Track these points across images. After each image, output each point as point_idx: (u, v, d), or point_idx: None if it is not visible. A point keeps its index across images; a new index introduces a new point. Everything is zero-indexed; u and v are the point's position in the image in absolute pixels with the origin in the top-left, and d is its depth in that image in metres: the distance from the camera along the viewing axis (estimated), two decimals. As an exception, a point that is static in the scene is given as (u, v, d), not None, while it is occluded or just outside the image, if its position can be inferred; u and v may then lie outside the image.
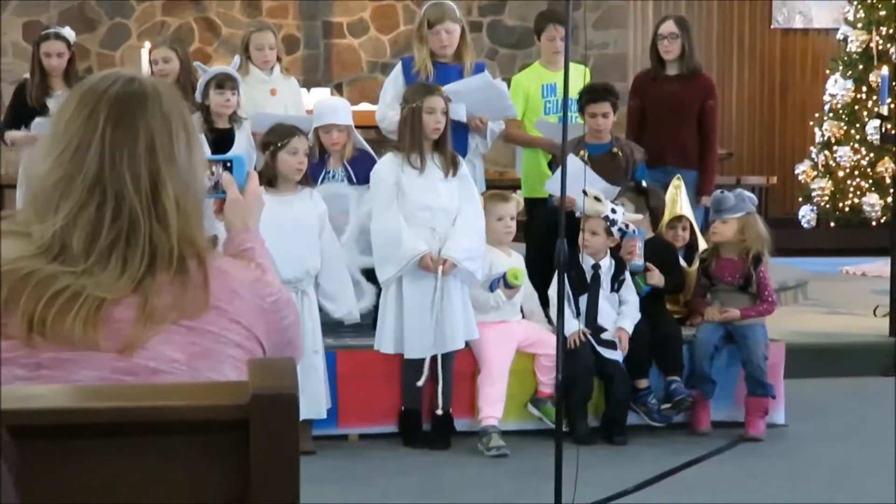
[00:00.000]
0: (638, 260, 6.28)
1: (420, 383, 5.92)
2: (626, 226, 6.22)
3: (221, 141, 6.31)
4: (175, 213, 1.92)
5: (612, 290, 6.21)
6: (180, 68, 7.19)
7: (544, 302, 6.25)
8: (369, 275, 6.17)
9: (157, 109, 1.96)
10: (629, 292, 6.22)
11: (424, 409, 6.05)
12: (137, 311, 1.86)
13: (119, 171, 1.91)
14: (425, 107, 5.93)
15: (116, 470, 1.58)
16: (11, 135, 7.22)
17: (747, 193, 6.39)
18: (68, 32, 7.46)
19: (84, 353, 1.83)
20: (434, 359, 5.94)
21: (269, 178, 5.77)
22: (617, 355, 6.08)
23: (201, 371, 1.86)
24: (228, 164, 2.36)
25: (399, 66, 6.86)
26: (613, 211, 6.15)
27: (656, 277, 6.34)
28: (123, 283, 1.86)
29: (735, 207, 6.23)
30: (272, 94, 7.07)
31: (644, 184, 6.51)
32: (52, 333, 1.82)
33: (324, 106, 6.67)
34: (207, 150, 2.32)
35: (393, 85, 6.76)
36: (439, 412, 5.97)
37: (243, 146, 6.43)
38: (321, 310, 5.96)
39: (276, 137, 5.89)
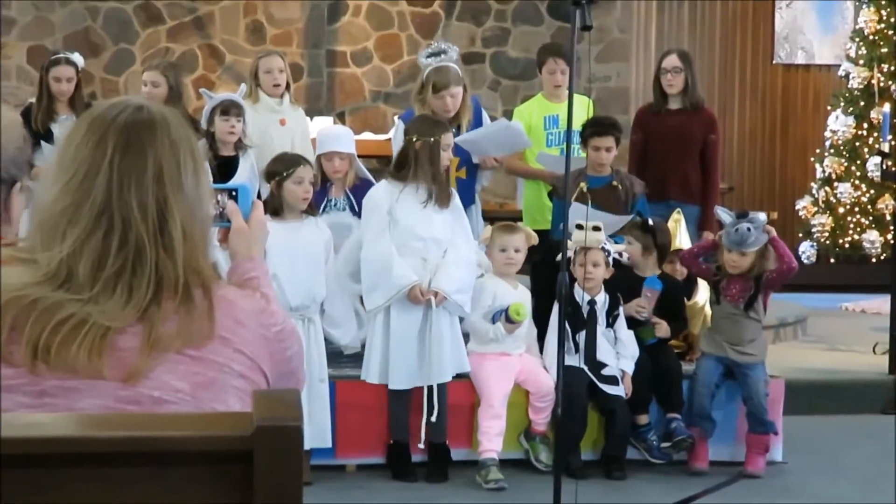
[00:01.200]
0: (646, 312, 6.28)
1: (425, 420, 5.89)
2: (620, 254, 6.22)
3: (225, 168, 6.33)
4: (182, 242, 1.92)
5: (608, 325, 6.20)
6: (168, 94, 7.18)
7: (545, 335, 6.23)
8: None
9: (166, 137, 1.96)
10: (622, 328, 6.21)
11: (414, 441, 6.01)
12: (142, 339, 1.85)
13: (126, 199, 1.90)
14: (442, 143, 5.95)
15: (119, 500, 1.57)
16: (36, 170, 7.14)
17: (762, 218, 6.30)
18: (77, 58, 7.50)
19: (88, 381, 1.82)
20: (429, 390, 5.91)
21: (275, 207, 5.78)
22: (619, 391, 6.06)
23: (205, 401, 1.85)
24: (234, 193, 2.36)
25: (399, 124, 6.83)
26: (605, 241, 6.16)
27: (664, 330, 6.33)
28: (129, 312, 1.86)
29: (756, 241, 6.19)
30: (281, 124, 7.09)
31: (651, 221, 6.49)
32: (57, 361, 1.81)
33: (327, 134, 6.68)
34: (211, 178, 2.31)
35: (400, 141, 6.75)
36: (421, 445, 5.94)
37: (246, 174, 6.44)
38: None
39: (282, 167, 5.89)
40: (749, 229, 6.16)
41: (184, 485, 1.57)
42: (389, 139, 7.44)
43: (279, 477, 1.53)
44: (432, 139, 5.93)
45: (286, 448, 1.53)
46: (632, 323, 6.26)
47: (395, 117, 7.05)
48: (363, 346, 6.08)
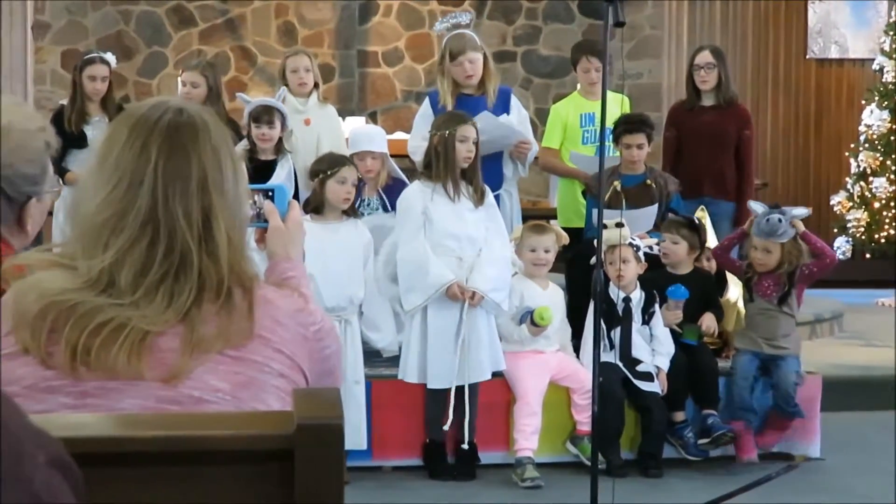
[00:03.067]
0: (680, 319, 6.28)
1: (446, 427, 5.88)
2: (651, 248, 6.21)
3: (263, 172, 6.31)
4: (226, 247, 1.91)
5: (643, 322, 6.17)
6: (207, 94, 7.17)
7: (579, 333, 6.21)
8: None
9: (208, 142, 1.95)
10: (658, 325, 6.19)
11: (450, 440, 6.00)
12: (183, 341, 1.85)
13: (172, 209, 1.90)
14: (458, 135, 5.90)
15: (160, 499, 1.57)
16: (73, 175, 7.11)
17: (794, 211, 6.27)
18: (110, 57, 7.56)
19: (129, 382, 1.82)
20: (459, 390, 5.91)
21: (316, 206, 5.79)
22: (654, 387, 6.04)
23: (245, 400, 1.85)
24: (270, 194, 2.37)
25: (427, 101, 6.86)
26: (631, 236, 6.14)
27: (709, 323, 6.31)
28: (169, 316, 1.86)
29: (786, 233, 6.17)
30: (306, 124, 7.05)
31: (697, 220, 6.45)
32: (97, 363, 1.82)
33: (359, 133, 6.68)
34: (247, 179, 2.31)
35: (423, 120, 6.72)
36: (465, 446, 5.93)
37: (283, 178, 6.42)
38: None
39: (325, 166, 5.89)
40: (780, 220, 6.13)
41: (225, 484, 1.57)
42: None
43: (321, 475, 1.53)
44: (447, 132, 5.90)
45: (327, 447, 1.52)
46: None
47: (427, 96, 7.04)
48: (401, 349, 6.07)
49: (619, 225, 5.80)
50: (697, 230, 6.41)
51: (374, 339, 5.99)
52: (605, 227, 5.69)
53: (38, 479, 0.79)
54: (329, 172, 5.85)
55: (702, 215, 6.77)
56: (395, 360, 6.10)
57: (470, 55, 6.64)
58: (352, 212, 5.96)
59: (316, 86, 7.19)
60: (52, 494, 0.80)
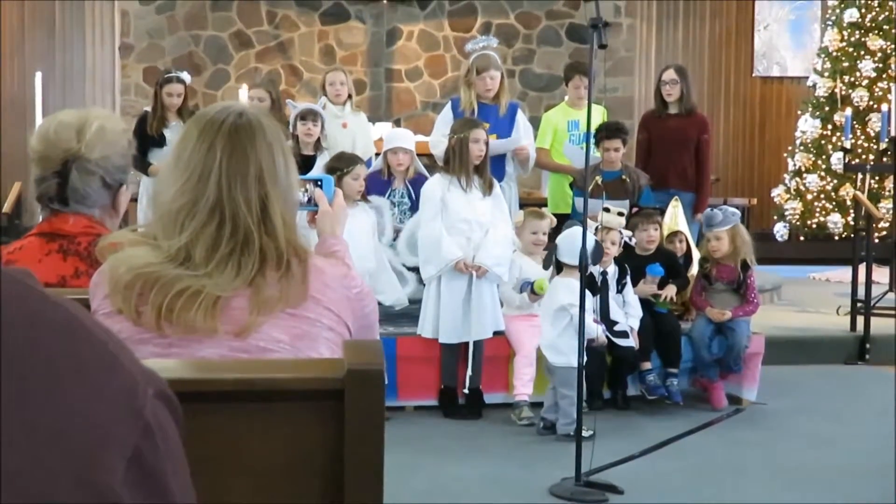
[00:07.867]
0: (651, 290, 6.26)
1: (469, 372, 5.88)
2: (630, 237, 6.21)
3: (305, 166, 6.34)
4: (282, 226, 1.90)
5: (617, 291, 6.17)
6: (271, 106, 7.20)
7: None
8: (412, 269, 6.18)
9: (263, 141, 1.93)
10: (629, 293, 6.18)
11: (460, 386, 6.01)
12: (251, 302, 1.84)
13: (234, 197, 1.89)
14: (471, 137, 5.91)
15: (234, 430, 1.57)
16: (155, 168, 7.12)
17: (731, 209, 6.32)
18: (186, 76, 7.53)
19: (206, 335, 1.82)
20: (468, 345, 5.93)
21: None
22: (629, 342, 6.03)
23: (301, 350, 1.85)
24: (319, 183, 2.37)
25: (449, 105, 6.88)
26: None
27: (671, 291, 6.29)
28: (238, 283, 1.85)
29: (723, 222, 6.18)
30: (343, 127, 7.07)
31: (656, 209, 6.46)
32: (178, 321, 1.81)
33: (393, 133, 6.77)
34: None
35: (444, 120, 6.74)
36: (465, 391, 5.94)
37: (321, 170, 6.44)
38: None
39: (342, 164, 5.96)
40: (712, 209, 6.24)
41: (287, 418, 1.56)
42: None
43: (366, 411, 1.52)
44: (463, 135, 5.90)
45: (372, 387, 1.51)
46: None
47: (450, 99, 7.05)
48: (411, 303, 6.09)
49: (620, 214, 5.86)
50: (663, 213, 6.43)
51: (382, 300, 6.02)
52: (608, 210, 5.73)
53: (147, 409, 0.78)
54: (345, 170, 5.91)
55: (676, 204, 6.76)
56: (415, 321, 6.11)
57: (492, 72, 6.65)
58: (362, 198, 6.02)
59: (350, 96, 7.20)
60: (159, 422, 0.79)
